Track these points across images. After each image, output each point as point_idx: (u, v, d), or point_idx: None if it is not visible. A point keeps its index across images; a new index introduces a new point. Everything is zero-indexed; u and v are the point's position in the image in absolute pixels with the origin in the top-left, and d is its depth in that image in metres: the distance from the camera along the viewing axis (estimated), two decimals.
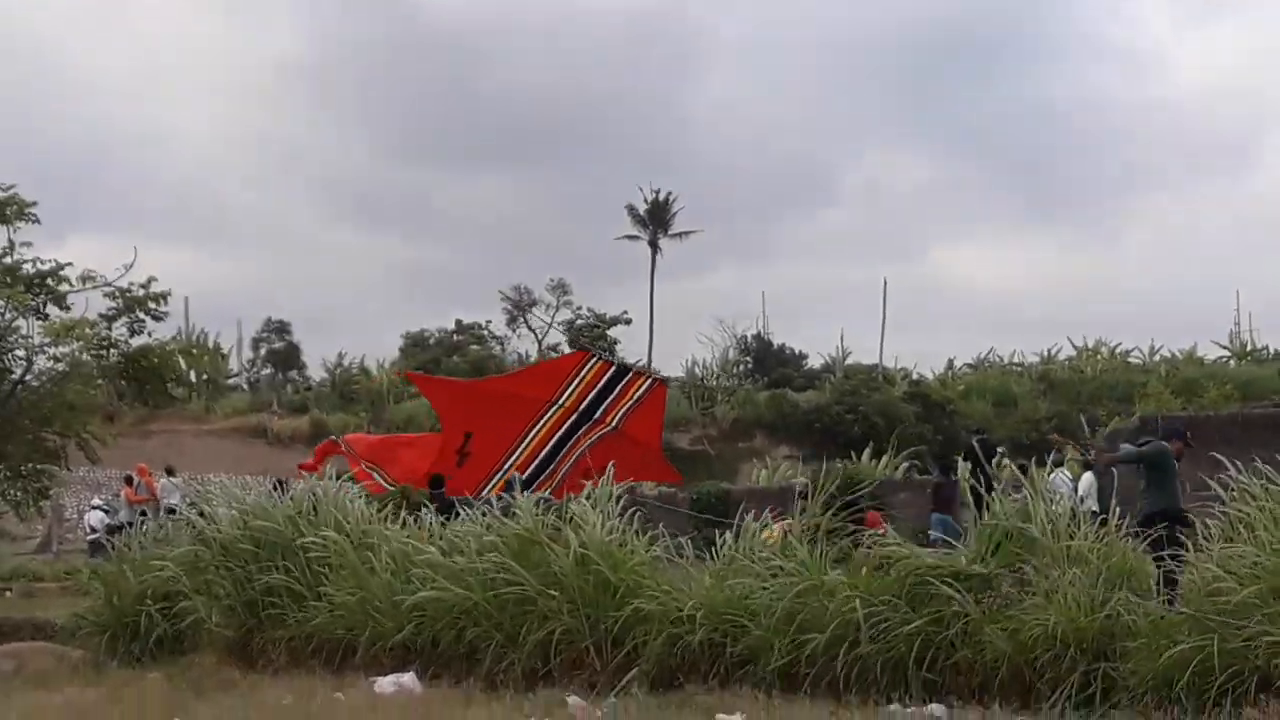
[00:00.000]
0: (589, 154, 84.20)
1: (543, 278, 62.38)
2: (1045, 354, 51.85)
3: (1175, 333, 78.00)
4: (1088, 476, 18.75)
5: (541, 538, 11.60)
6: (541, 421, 18.54)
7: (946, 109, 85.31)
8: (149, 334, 19.27)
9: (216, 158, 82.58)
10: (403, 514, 13.64)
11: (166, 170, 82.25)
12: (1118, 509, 10.36)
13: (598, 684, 10.65)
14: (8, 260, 18.37)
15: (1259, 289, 73.75)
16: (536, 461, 18.66)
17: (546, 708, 9.88)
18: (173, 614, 13.81)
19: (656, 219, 56.40)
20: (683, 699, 10.04)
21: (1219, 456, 9.87)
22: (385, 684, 10.81)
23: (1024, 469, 17.12)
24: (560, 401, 18.29)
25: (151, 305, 18.87)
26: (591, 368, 18.54)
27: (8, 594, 22.49)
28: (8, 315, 18.44)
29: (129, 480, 25.13)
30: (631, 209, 56.62)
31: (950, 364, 53.28)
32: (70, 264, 18.50)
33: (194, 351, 35.70)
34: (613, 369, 18.96)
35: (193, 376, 48.06)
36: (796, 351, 56.60)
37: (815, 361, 55.19)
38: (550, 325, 57.18)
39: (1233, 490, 9.69)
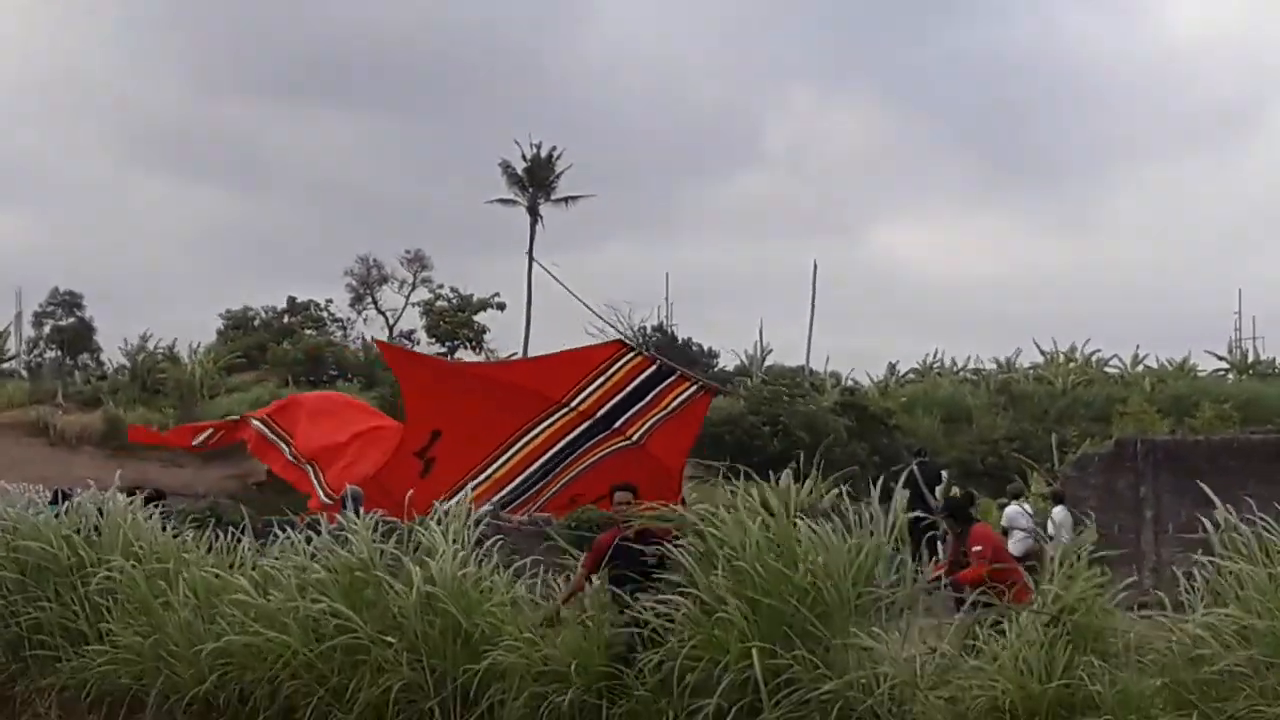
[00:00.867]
0: (456, 101, 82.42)
1: (396, 248, 60.53)
2: (1006, 360, 52.92)
3: (1163, 339, 79.07)
4: (1059, 510, 18.66)
5: (377, 573, 11.33)
6: (541, 426, 17.95)
7: (889, 52, 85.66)
8: None
9: None
10: (208, 533, 13.30)
11: None
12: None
13: None
14: None
15: (1265, 287, 71.60)
16: (522, 476, 18.04)
17: None
18: None
19: (537, 180, 54.90)
20: None
21: (1207, 490, 9.72)
22: None
23: (972, 498, 17.04)
24: (573, 404, 17.73)
25: None
26: (626, 363, 18.01)
27: None
28: None
29: None
30: (507, 166, 54.81)
31: (892, 369, 54.00)
32: None
33: None
34: (653, 367, 18.45)
35: None
36: (706, 348, 56.60)
37: (728, 361, 55.27)
38: (406, 305, 56.37)
39: (1223, 530, 9.54)
